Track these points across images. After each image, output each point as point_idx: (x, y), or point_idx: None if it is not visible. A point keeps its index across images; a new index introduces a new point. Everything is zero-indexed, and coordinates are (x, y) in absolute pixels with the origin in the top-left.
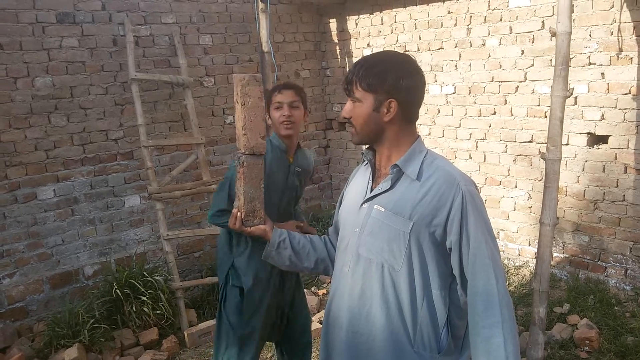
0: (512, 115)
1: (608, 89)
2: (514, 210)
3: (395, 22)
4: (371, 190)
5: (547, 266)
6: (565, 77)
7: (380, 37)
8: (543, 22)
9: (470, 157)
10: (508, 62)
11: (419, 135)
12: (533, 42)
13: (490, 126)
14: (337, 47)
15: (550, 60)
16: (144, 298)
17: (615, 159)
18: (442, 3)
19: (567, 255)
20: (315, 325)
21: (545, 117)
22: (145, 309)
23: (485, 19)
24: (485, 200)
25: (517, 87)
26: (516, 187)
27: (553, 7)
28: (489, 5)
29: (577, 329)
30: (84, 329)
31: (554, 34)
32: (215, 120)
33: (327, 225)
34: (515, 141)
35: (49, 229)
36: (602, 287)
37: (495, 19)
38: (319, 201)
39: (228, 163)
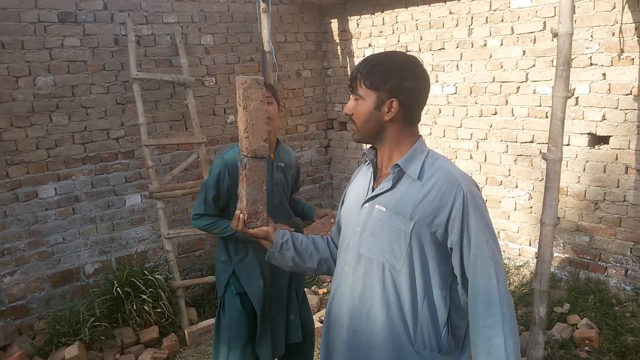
0: (513, 115)
1: (609, 89)
2: (515, 210)
3: (396, 22)
4: (372, 190)
5: (547, 266)
6: (566, 78)
7: (382, 38)
8: (544, 22)
9: (471, 157)
10: (509, 62)
11: (420, 136)
12: (534, 42)
13: (491, 126)
14: (339, 47)
15: (552, 60)
16: (145, 296)
17: (616, 159)
18: (444, 3)
19: (567, 255)
20: (316, 324)
21: (547, 117)
22: (146, 308)
23: (486, 20)
24: (486, 200)
25: (519, 88)
26: (517, 187)
27: (555, 7)
28: (490, 6)
29: (577, 328)
30: (85, 327)
31: (555, 35)
32: (217, 119)
33: None
34: (516, 141)
35: (50, 228)
36: (602, 287)
37: (496, 19)
38: (320, 201)
39: None
